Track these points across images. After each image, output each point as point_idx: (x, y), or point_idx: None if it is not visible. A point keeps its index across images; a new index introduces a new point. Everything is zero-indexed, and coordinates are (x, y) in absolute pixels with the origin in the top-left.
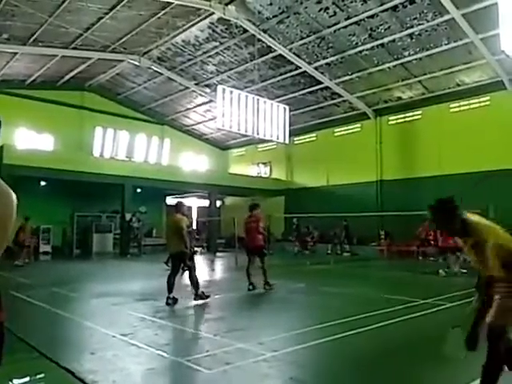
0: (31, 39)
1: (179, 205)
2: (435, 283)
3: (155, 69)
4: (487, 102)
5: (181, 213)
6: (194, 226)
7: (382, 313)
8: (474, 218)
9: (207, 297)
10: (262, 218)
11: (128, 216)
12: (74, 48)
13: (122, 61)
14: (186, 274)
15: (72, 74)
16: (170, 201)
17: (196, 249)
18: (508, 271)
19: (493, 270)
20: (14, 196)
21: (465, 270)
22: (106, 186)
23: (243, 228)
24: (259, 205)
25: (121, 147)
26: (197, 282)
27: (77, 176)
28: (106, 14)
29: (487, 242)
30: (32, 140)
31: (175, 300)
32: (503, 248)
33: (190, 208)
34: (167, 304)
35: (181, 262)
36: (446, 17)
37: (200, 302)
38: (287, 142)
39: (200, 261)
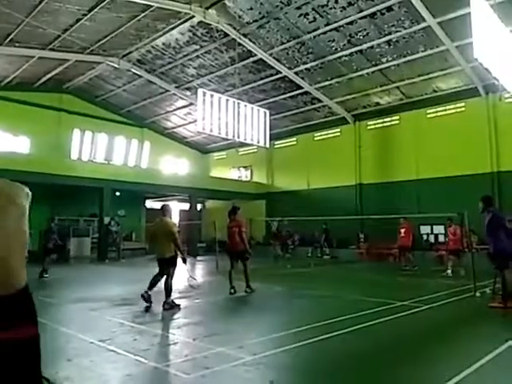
0: (7, 40)
1: (166, 208)
2: (412, 285)
3: (135, 71)
4: (462, 108)
5: (169, 216)
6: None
7: (361, 315)
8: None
9: (177, 306)
10: (244, 222)
11: (106, 220)
12: (52, 49)
13: (100, 63)
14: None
15: (50, 75)
16: (150, 204)
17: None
18: None
19: None
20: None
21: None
22: (84, 190)
23: (226, 232)
24: (239, 208)
25: (99, 150)
26: (170, 290)
27: (54, 179)
28: (85, 15)
29: None
30: (8, 143)
31: (149, 298)
32: None
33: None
34: (142, 296)
35: (169, 266)
36: (423, 24)
37: (169, 310)
38: (268, 145)
39: (180, 265)
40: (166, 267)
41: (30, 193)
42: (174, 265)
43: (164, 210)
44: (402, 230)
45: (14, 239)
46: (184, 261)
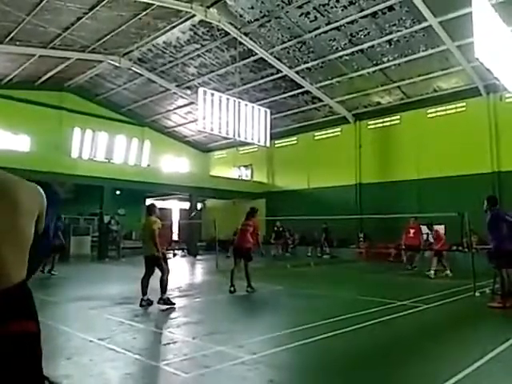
0: (8, 38)
1: (151, 207)
2: (411, 285)
3: (135, 70)
4: (463, 108)
5: (155, 215)
6: (176, 229)
7: (361, 314)
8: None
9: (172, 303)
10: (258, 224)
11: (107, 218)
12: (53, 48)
13: (101, 61)
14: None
15: (50, 74)
16: (150, 203)
17: (168, 253)
18: None
19: None
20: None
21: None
22: (84, 188)
23: (238, 230)
24: (257, 210)
25: (100, 148)
26: (165, 287)
27: (53, 177)
28: (86, 13)
29: None
30: (7, 141)
31: (149, 302)
32: None
33: (170, 210)
34: (141, 306)
35: (154, 264)
36: (424, 24)
37: (164, 307)
38: (268, 145)
39: (180, 264)
40: (152, 265)
41: (41, 191)
42: (165, 261)
43: (149, 209)
44: (412, 231)
45: (4, 237)
46: (164, 261)
